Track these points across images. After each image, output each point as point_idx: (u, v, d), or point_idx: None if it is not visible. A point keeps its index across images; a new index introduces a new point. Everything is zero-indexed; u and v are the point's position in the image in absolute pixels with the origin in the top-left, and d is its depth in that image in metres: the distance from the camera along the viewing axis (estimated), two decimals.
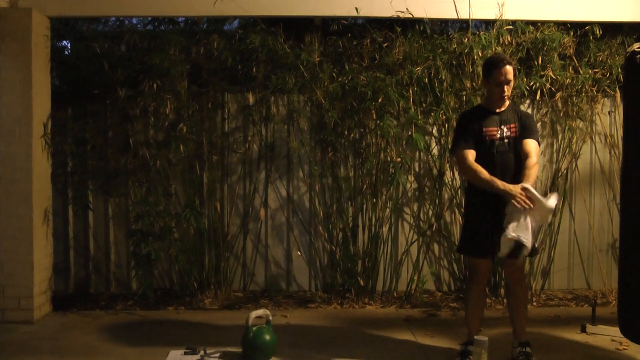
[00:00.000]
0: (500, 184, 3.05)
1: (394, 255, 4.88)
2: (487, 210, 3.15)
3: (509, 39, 4.52)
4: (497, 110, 3.21)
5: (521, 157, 3.16)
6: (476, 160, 3.21)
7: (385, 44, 4.59)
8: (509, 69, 3.13)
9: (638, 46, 2.92)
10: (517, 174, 3.12)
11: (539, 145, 3.24)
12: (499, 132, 3.17)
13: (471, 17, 4.41)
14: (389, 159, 4.67)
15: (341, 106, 4.66)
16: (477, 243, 3.23)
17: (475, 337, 3.04)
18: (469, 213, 3.35)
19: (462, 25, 4.66)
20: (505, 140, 3.16)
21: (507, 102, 3.24)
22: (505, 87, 3.14)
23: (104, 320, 4.22)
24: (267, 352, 3.31)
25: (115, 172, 4.68)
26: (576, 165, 4.91)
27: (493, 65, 3.17)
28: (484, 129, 3.18)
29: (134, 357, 3.43)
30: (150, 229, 4.57)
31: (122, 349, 3.57)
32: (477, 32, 4.58)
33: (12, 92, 4.11)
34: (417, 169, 4.92)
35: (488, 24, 4.66)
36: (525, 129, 3.18)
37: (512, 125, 3.18)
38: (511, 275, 3.29)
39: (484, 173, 3.12)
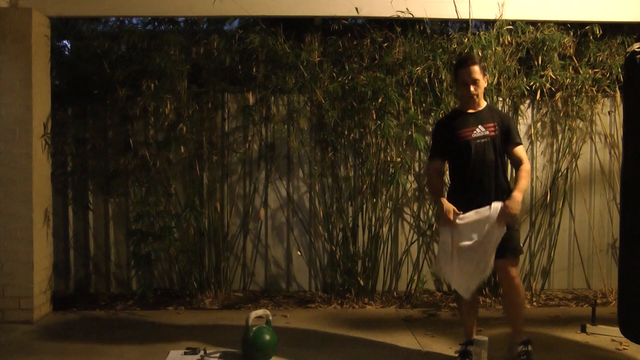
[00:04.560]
0: (440, 200, 3.15)
1: (394, 255, 4.88)
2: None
3: (509, 39, 4.53)
4: (472, 111, 3.22)
5: (512, 163, 3.22)
6: (454, 162, 3.27)
7: (385, 44, 4.59)
8: (473, 68, 3.14)
9: (638, 46, 2.92)
10: (498, 173, 3.16)
11: (522, 143, 3.28)
12: (474, 131, 3.17)
13: (471, 17, 4.41)
14: (389, 159, 4.67)
15: (341, 106, 4.67)
16: None
17: (475, 337, 3.04)
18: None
19: (462, 25, 4.66)
20: (483, 140, 3.15)
21: (483, 103, 3.25)
22: (472, 87, 3.14)
23: (104, 320, 4.22)
24: (267, 352, 3.31)
25: (115, 172, 4.68)
26: (576, 165, 4.91)
27: (458, 65, 3.25)
28: (458, 131, 3.19)
29: (134, 357, 3.42)
30: (150, 229, 4.57)
31: (122, 349, 3.57)
32: (477, 32, 4.59)
33: (12, 92, 4.11)
34: (417, 169, 4.92)
35: (488, 24, 4.66)
36: (509, 131, 3.18)
37: (490, 125, 3.17)
38: (500, 276, 3.30)
39: (433, 188, 3.33)
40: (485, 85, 3.26)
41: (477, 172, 3.14)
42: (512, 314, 3.27)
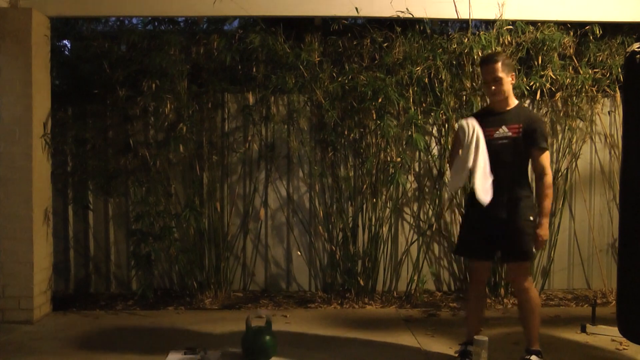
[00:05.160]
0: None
1: (394, 255, 4.88)
2: (484, 214, 3.11)
3: (509, 39, 4.52)
4: (499, 111, 3.17)
5: (533, 170, 3.12)
6: None
7: (385, 44, 4.59)
8: (494, 66, 3.09)
9: (638, 46, 2.91)
10: (514, 176, 3.10)
11: (548, 148, 3.15)
12: (497, 132, 3.12)
13: (471, 17, 4.41)
14: (389, 159, 4.67)
15: (341, 106, 4.67)
16: (472, 245, 3.22)
17: (475, 337, 3.03)
18: (466, 215, 3.35)
19: (462, 25, 4.66)
20: (503, 141, 3.09)
21: (512, 102, 3.18)
22: (492, 85, 3.10)
23: (104, 320, 4.23)
24: (267, 353, 3.31)
25: (115, 172, 4.68)
26: (576, 165, 4.91)
27: (481, 63, 3.23)
28: (482, 129, 3.15)
29: (134, 357, 3.42)
30: (150, 229, 4.57)
31: (122, 349, 3.57)
32: (477, 32, 4.58)
33: (12, 92, 4.11)
34: (417, 169, 4.92)
35: (488, 24, 4.66)
36: (533, 134, 3.07)
37: (515, 126, 3.10)
38: (512, 282, 3.26)
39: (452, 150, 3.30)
40: (513, 83, 3.17)
41: (495, 171, 3.09)
42: (522, 319, 3.20)
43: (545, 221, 3.08)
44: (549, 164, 3.13)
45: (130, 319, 4.27)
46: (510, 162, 3.09)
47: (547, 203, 3.08)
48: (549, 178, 3.08)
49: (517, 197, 3.08)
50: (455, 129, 3.02)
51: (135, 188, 4.69)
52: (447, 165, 3.31)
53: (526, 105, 4.87)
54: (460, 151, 3.10)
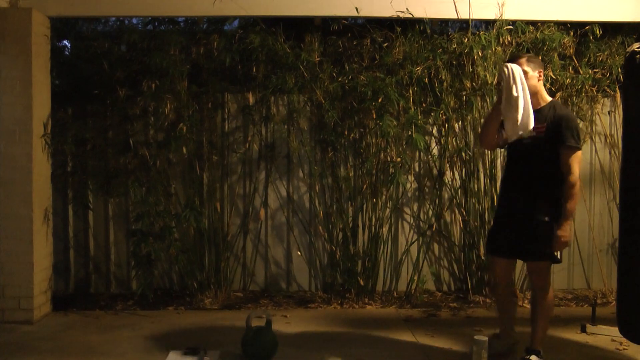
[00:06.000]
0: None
1: (394, 255, 4.88)
2: (509, 212, 3.14)
3: (509, 39, 4.53)
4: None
5: (561, 169, 3.03)
6: (505, 157, 3.27)
7: (385, 44, 4.59)
8: (518, 62, 3.04)
9: (638, 46, 2.91)
10: (535, 178, 3.06)
11: (579, 147, 3.02)
12: None
13: (471, 17, 4.41)
14: (389, 159, 4.67)
15: (341, 106, 4.67)
16: (495, 241, 3.24)
17: (475, 337, 3.05)
18: (496, 211, 3.39)
19: (462, 25, 4.66)
20: (528, 141, 3.03)
21: (544, 100, 3.11)
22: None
23: (104, 320, 4.23)
24: (267, 353, 3.31)
25: (115, 172, 4.68)
26: None
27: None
28: None
29: (134, 357, 3.43)
30: (150, 229, 4.57)
31: (122, 349, 3.57)
32: (477, 32, 4.59)
33: (12, 92, 4.11)
34: (417, 169, 4.92)
35: (488, 24, 4.66)
36: (560, 131, 2.99)
37: (540, 125, 3.02)
38: (531, 279, 3.24)
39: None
40: (540, 80, 3.08)
41: (515, 173, 3.09)
42: (532, 319, 3.20)
43: (566, 223, 2.98)
44: (576, 163, 3.00)
45: (130, 319, 4.27)
46: (532, 163, 3.06)
47: (570, 204, 2.98)
48: (572, 178, 2.97)
49: (535, 198, 3.05)
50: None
51: (135, 188, 4.68)
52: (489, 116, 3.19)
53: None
54: (503, 94, 2.97)
